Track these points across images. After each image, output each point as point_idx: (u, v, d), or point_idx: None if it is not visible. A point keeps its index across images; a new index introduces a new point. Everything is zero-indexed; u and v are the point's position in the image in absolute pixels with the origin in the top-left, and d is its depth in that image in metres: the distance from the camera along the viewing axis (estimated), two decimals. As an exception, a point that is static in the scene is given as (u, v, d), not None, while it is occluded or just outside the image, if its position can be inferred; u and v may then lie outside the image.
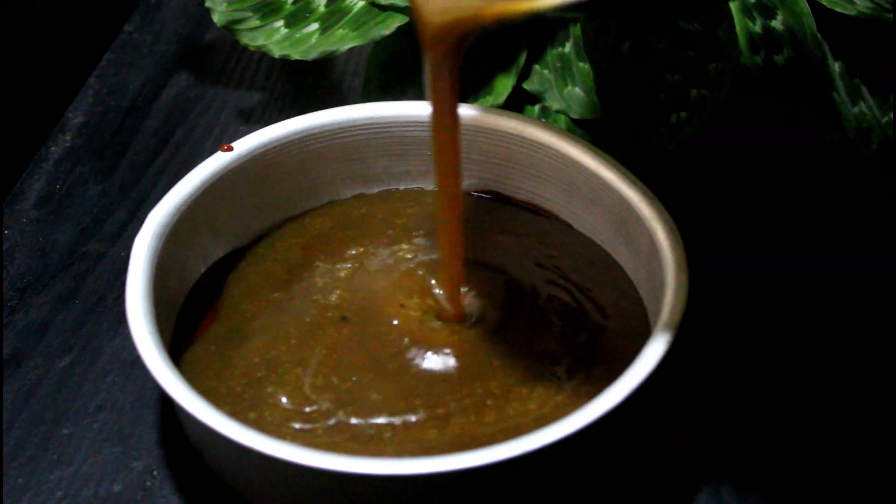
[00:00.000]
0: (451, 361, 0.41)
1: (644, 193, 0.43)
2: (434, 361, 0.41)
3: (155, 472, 0.41)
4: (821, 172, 0.50)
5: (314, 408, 0.40)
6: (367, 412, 0.40)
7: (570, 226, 0.46)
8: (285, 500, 0.39)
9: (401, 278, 0.44)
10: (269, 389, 0.40)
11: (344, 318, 0.43)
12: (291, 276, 0.45)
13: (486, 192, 0.48)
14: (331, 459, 0.36)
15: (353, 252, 0.45)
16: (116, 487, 0.41)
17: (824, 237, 0.49)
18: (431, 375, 0.41)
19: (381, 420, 0.39)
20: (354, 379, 0.41)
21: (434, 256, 0.44)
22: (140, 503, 0.41)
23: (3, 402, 0.44)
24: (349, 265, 0.45)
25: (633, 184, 0.43)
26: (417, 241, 0.46)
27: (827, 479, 0.41)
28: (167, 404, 0.43)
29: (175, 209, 0.43)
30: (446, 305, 0.42)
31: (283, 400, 0.40)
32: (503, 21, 0.36)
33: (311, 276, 0.44)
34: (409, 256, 0.45)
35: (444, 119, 0.40)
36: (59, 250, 0.49)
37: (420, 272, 0.44)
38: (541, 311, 0.43)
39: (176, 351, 0.42)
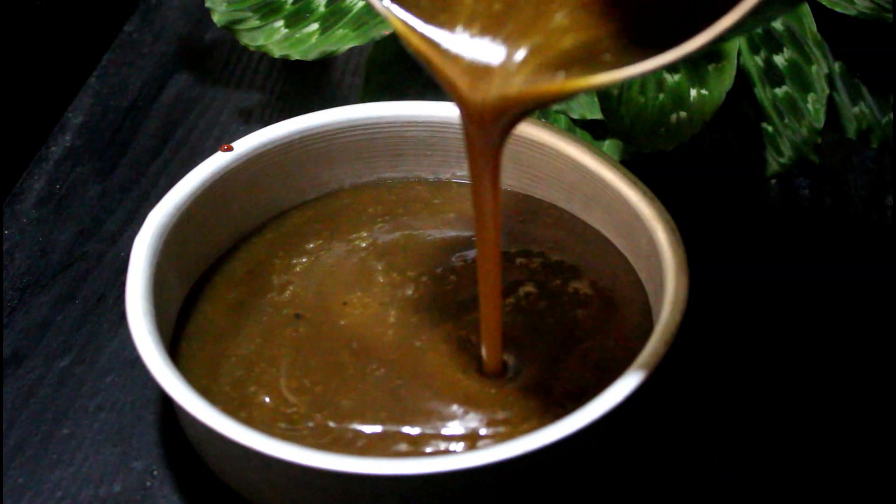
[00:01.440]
0: (403, 374, 0.41)
1: (644, 193, 0.43)
2: (388, 371, 0.41)
3: (155, 472, 0.41)
4: (820, 172, 0.50)
5: (294, 409, 0.40)
6: (340, 417, 0.40)
7: (567, 212, 0.46)
8: (285, 500, 0.39)
9: (349, 271, 0.44)
10: (252, 389, 0.41)
11: (298, 316, 0.43)
12: (251, 274, 0.45)
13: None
14: (331, 459, 0.36)
15: (312, 245, 0.45)
16: (116, 487, 0.41)
17: (824, 237, 0.49)
18: (391, 385, 0.41)
19: (355, 426, 0.39)
20: (323, 382, 0.41)
21: (388, 239, 0.45)
22: (140, 503, 0.41)
23: (3, 402, 0.44)
24: (305, 259, 0.45)
25: (633, 184, 0.43)
26: (379, 226, 0.46)
27: (827, 479, 0.41)
28: (167, 404, 0.43)
29: (175, 209, 0.43)
30: (486, 361, 0.41)
31: (267, 399, 0.40)
32: (562, 98, 0.34)
33: (268, 273, 0.44)
34: (364, 245, 0.45)
35: (488, 194, 0.38)
36: (59, 250, 0.49)
37: (369, 262, 0.44)
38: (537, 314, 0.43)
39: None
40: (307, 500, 0.38)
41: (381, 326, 0.42)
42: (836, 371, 0.44)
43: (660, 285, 0.41)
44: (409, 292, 0.43)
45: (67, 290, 0.48)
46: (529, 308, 0.43)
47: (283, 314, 0.43)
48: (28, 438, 0.42)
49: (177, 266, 0.43)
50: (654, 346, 0.38)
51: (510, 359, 0.41)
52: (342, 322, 0.42)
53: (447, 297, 0.43)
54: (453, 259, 0.45)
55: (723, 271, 0.47)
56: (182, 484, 0.41)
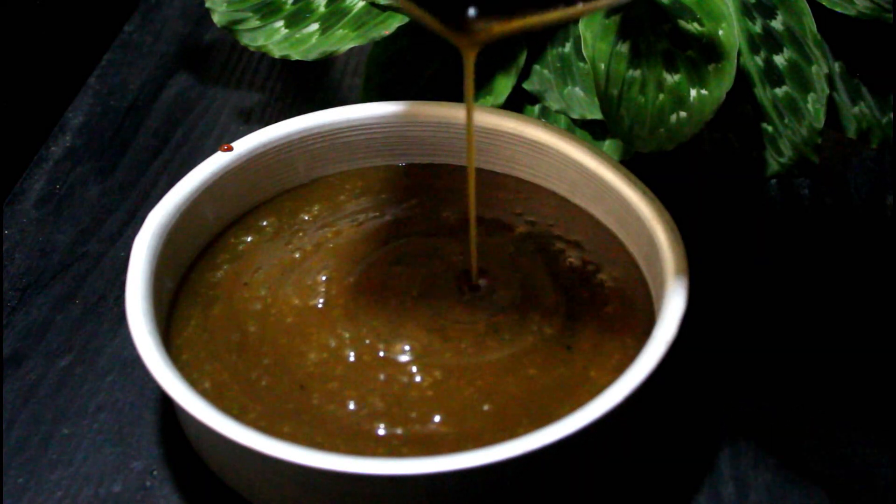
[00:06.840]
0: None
1: (644, 193, 0.43)
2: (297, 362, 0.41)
3: (155, 472, 0.41)
4: (820, 172, 0.50)
5: (239, 403, 0.40)
6: (268, 413, 0.40)
7: (570, 203, 0.47)
8: (285, 500, 0.39)
9: (266, 250, 0.44)
10: (195, 375, 0.41)
11: (217, 297, 0.43)
12: (213, 256, 0.45)
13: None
14: (330, 459, 0.36)
15: (264, 223, 0.46)
16: (116, 487, 0.41)
17: (824, 236, 0.49)
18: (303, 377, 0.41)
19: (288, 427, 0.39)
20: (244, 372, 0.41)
21: (338, 217, 0.45)
22: (140, 503, 0.41)
23: (3, 402, 0.44)
24: (250, 238, 0.45)
25: (633, 184, 0.43)
26: (344, 200, 0.46)
27: (827, 479, 0.41)
28: (167, 404, 0.43)
29: (175, 209, 0.43)
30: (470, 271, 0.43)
31: (207, 385, 0.40)
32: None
33: (216, 253, 0.45)
34: (296, 225, 0.45)
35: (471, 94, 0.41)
36: (59, 250, 0.49)
37: (290, 247, 0.44)
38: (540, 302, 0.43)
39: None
40: (307, 500, 0.38)
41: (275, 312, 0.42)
42: (836, 370, 0.44)
43: (660, 285, 0.41)
44: (310, 272, 0.43)
45: (67, 290, 0.48)
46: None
47: (210, 295, 0.43)
48: (28, 438, 0.42)
49: (177, 266, 0.43)
50: (654, 345, 0.38)
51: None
52: (237, 304, 0.42)
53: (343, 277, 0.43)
54: (396, 234, 0.45)
55: (723, 271, 0.47)
56: (182, 484, 0.41)
